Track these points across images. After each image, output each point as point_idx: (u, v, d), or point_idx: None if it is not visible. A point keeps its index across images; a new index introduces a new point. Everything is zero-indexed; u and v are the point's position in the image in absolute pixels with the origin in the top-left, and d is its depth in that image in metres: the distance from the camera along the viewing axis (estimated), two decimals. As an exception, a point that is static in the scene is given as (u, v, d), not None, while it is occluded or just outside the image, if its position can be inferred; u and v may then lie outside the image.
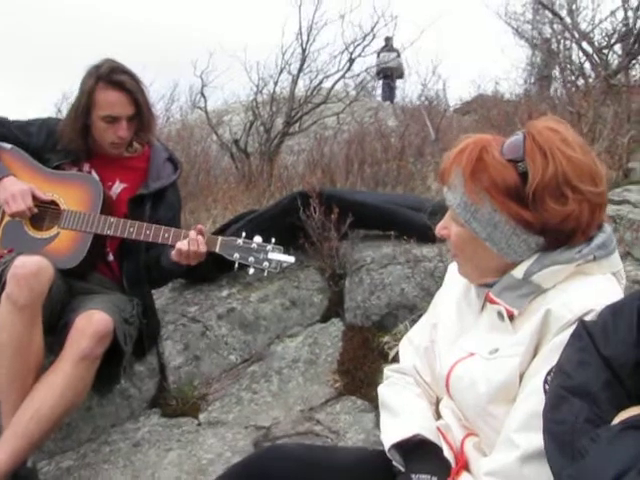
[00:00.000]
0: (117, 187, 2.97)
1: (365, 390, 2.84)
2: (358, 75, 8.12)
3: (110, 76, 2.80)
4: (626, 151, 4.28)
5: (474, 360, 1.52)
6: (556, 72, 8.47)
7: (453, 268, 1.75)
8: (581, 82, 6.48)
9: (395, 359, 2.88)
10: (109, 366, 2.63)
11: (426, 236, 3.25)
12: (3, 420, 2.50)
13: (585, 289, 1.41)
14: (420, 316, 3.02)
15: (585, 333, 1.24)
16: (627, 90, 5.47)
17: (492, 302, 1.51)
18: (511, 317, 1.47)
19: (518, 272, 1.46)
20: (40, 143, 2.97)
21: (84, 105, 2.83)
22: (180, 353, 3.16)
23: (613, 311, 1.24)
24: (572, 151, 1.43)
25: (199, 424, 2.86)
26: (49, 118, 3.34)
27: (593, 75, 6.44)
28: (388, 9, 8.70)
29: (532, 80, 11.26)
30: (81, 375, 2.49)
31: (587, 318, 1.32)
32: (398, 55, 13.61)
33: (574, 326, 1.33)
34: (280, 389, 3.00)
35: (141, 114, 2.87)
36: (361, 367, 2.96)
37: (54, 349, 2.65)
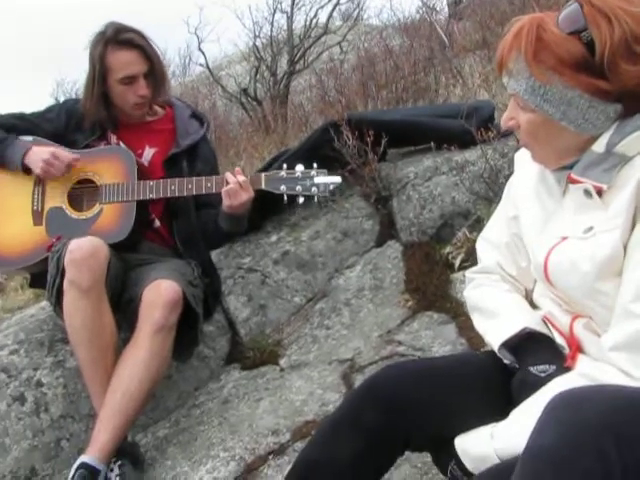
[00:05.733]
0: (148, 153, 2.94)
1: (440, 303, 2.82)
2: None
3: (117, 37, 2.77)
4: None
5: (569, 243, 1.48)
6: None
7: (521, 157, 1.70)
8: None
9: (462, 267, 2.87)
10: (185, 331, 2.63)
11: (466, 141, 3.20)
12: (94, 401, 2.53)
13: None
14: (476, 221, 3.04)
15: None
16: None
17: (575, 182, 1.46)
18: (599, 193, 1.42)
19: (599, 146, 1.41)
20: (62, 126, 2.94)
21: (98, 73, 2.80)
22: (245, 305, 3.14)
23: None
24: (635, 7, 1.37)
25: (282, 370, 2.86)
26: (67, 100, 3.31)
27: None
28: None
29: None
30: (161, 346, 2.50)
31: None
32: None
33: None
34: (352, 320, 2.98)
35: (155, 69, 2.83)
36: (430, 282, 2.93)
37: (122, 326, 2.66)
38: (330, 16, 7.66)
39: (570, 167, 1.48)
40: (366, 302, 3.04)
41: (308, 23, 7.50)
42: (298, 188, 2.65)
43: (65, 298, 2.51)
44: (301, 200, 2.67)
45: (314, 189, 2.65)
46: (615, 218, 1.38)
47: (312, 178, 2.65)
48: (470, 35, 7.39)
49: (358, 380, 2.57)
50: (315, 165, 2.68)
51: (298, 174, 2.67)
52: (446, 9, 10.02)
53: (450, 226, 3.13)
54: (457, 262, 2.89)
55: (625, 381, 1.32)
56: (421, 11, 8.38)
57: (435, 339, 2.64)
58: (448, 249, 2.99)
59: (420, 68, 5.57)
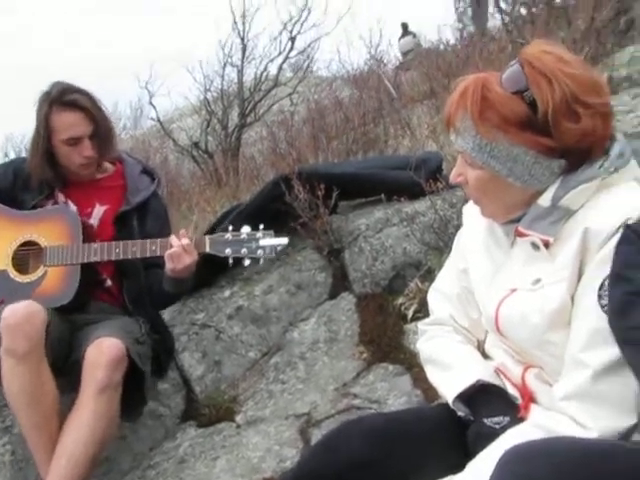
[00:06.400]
0: (98, 211, 2.90)
1: (394, 354, 2.83)
2: (302, 52, 8.02)
3: (62, 98, 2.74)
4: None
5: (518, 295, 1.51)
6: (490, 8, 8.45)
7: (469, 210, 1.74)
8: (524, 11, 6.47)
9: (415, 318, 2.89)
10: (132, 390, 2.58)
11: (416, 192, 3.25)
12: (39, 469, 2.47)
13: (615, 200, 1.41)
14: (428, 271, 3.08)
15: (634, 235, 1.23)
16: (568, 11, 5.47)
17: (522, 235, 1.50)
18: (546, 245, 1.46)
19: (545, 200, 1.46)
20: (9, 185, 2.90)
21: (43, 133, 2.77)
22: (200, 362, 3.12)
23: None
24: (572, 68, 1.44)
25: (238, 426, 2.83)
26: (15, 159, 3.30)
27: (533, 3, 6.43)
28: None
29: (466, 22, 11.23)
30: (106, 407, 2.44)
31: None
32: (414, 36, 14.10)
33: (614, 238, 1.34)
34: (308, 373, 2.97)
35: (100, 130, 2.80)
36: (384, 333, 2.95)
37: (68, 389, 2.59)
38: (280, 69, 7.76)
39: (517, 220, 1.52)
40: (321, 355, 3.03)
41: (258, 76, 7.58)
42: (244, 251, 2.58)
43: (2, 366, 2.45)
44: (247, 263, 2.63)
45: (260, 252, 2.58)
46: (562, 270, 1.42)
47: (258, 240, 2.59)
48: (418, 86, 7.57)
49: (315, 435, 2.56)
50: (262, 226, 2.65)
51: (244, 236, 2.60)
52: (394, 60, 10.26)
53: (402, 277, 3.16)
54: (410, 313, 2.92)
55: (578, 431, 1.35)
56: (369, 63, 8.54)
57: (390, 391, 2.64)
58: (401, 300, 3.02)
59: (370, 119, 5.67)
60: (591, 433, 1.33)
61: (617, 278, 1.27)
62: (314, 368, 2.99)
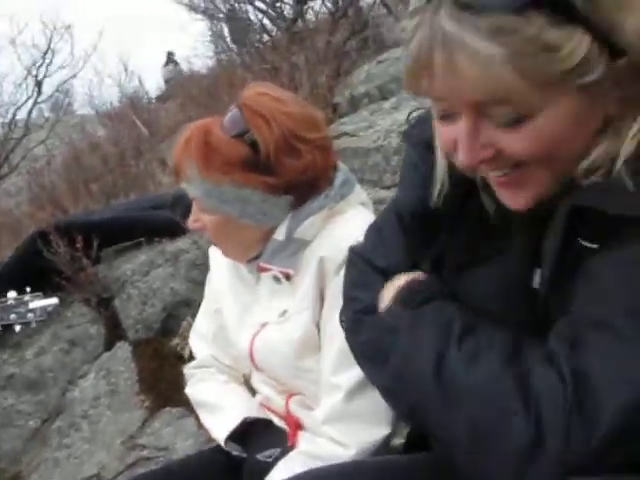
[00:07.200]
0: None
1: (176, 397, 2.80)
2: (51, 96, 7.76)
3: None
4: (327, 89, 4.52)
5: (268, 329, 1.56)
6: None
7: (214, 252, 1.77)
8: (266, 38, 6.69)
9: (192, 357, 2.88)
10: None
11: (175, 230, 3.26)
12: None
13: (345, 227, 1.49)
14: (198, 308, 3.07)
15: (357, 257, 1.29)
16: (308, 34, 5.73)
17: (264, 270, 1.55)
18: (287, 277, 1.52)
19: (279, 234, 1.51)
20: None
21: None
22: (-27, 444, 2.93)
23: (375, 228, 1.30)
24: (288, 107, 1.50)
25: (24, 504, 2.70)
26: None
27: (275, 29, 6.67)
28: (59, 21, 8.22)
29: (219, 49, 11.42)
30: None
31: None
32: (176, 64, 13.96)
33: None
34: (93, 432, 2.89)
35: None
36: (162, 377, 2.92)
37: None
38: (29, 115, 7.46)
39: (259, 257, 1.57)
40: (104, 410, 2.96)
41: (7, 125, 7.24)
42: (13, 317, 2.45)
43: None
44: (18, 328, 2.51)
45: (30, 315, 2.47)
46: (304, 300, 1.49)
47: (27, 304, 2.47)
48: (175, 116, 7.57)
49: (106, 496, 2.50)
50: (29, 289, 2.53)
51: (11, 302, 2.47)
52: (149, 93, 10.21)
53: (174, 317, 3.15)
54: (186, 352, 2.90)
55: (339, 450, 1.42)
56: (122, 100, 8.44)
57: (177, 435, 2.63)
58: (175, 341, 3.01)
59: (129, 158, 5.59)
60: (350, 450, 1.40)
61: (347, 299, 1.33)
62: (99, 425, 2.91)
